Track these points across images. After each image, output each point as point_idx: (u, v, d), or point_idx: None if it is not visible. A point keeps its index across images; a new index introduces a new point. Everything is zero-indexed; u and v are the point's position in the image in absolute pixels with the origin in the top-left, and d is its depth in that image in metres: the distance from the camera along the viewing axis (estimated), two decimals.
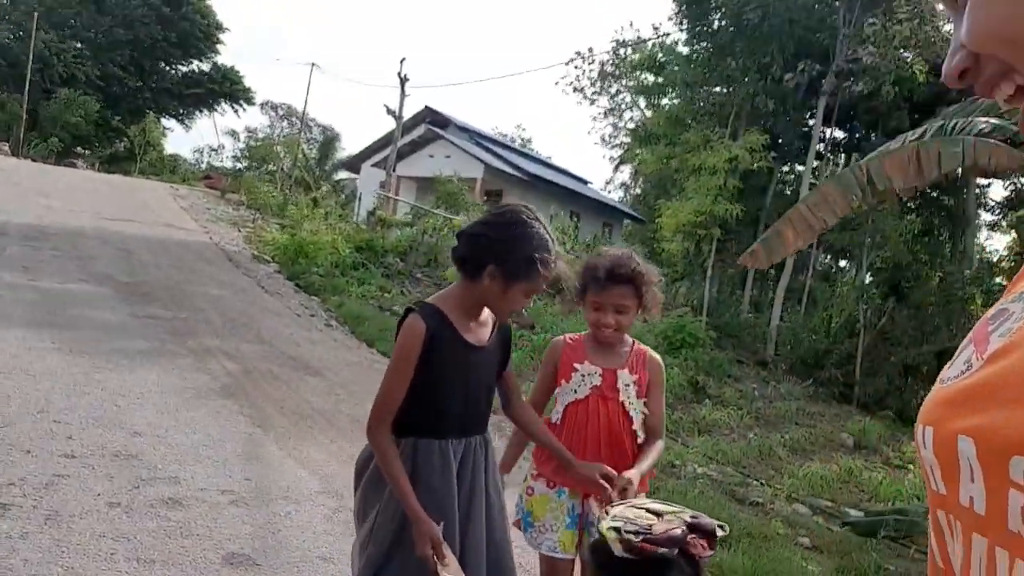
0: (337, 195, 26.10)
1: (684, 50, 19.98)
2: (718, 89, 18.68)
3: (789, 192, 20.37)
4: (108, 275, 9.08)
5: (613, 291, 2.16)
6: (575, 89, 25.83)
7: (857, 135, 21.76)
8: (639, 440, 2.21)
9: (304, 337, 7.98)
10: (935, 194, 19.22)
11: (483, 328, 1.98)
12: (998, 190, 22.36)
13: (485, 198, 21.27)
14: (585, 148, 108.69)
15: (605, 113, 27.89)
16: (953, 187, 17.77)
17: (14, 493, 3.20)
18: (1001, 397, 0.54)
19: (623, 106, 27.24)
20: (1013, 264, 16.69)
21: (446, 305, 1.92)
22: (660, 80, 20.79)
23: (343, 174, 32.29)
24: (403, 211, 19.71)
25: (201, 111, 42.51)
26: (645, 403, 2.22)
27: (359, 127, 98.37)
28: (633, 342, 2.31)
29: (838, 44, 16.26)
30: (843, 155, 22.65)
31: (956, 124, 5.37)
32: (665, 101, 21.27)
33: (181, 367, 5.80)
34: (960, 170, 5.17)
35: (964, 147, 5.13)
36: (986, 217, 23.18)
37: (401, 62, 20.84)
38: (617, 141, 29.09)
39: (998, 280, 18.04)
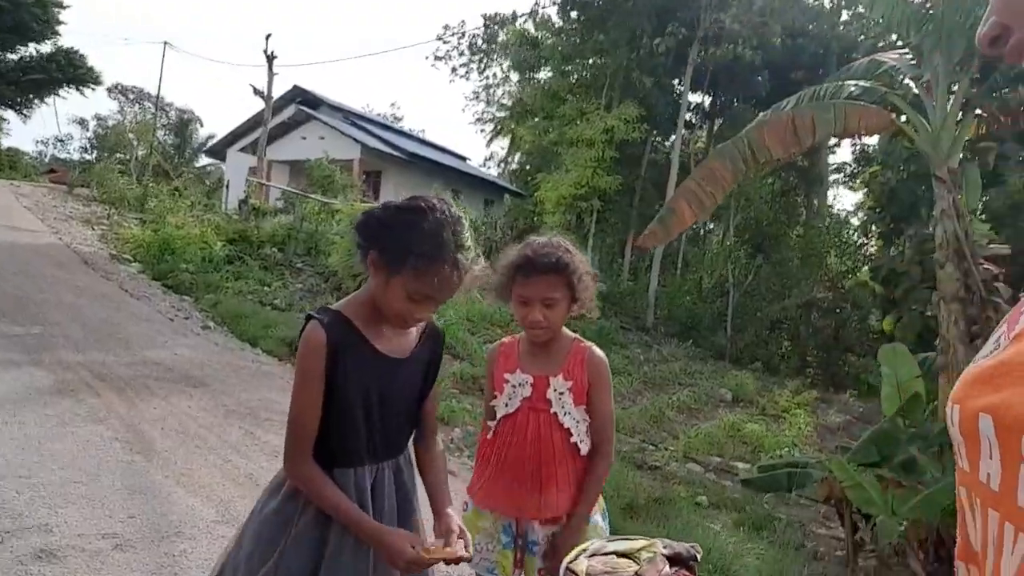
0: (202, 184, 24.54)
1: (558, 23, 20.13)
2: (591, 61, 18.95)
3: (661, 162, 21.07)
4: None
5: (539, 282, 1.95)
6: (438, 58, 25.59)
7: (720, 101, 22.80)
8: (582, 453, 2.02)
9: (180, 343, 7.42)
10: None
11: (403, 336, 1.72)
12: (845, 152, 24.17)
13: (364, 178, 20.69)
14: (461, 126, 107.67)
15: (477, 93, 27.78)
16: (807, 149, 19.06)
17: None
18: (1018, 375, 0.56)
19: (495, 82, 27.22)
20: (865, 218, 18.11)
21: (352, 309, 1.66)
22: (535, 54, 20.86)
23: (207, 160, 30.39)
24: (275, 197, 18.81)
25: (42, 99, 38.40)
26: (586, 409, 2.02)
27: (222, 110, 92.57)
28: (574, 340, 2.08)
29: (702, 11, 16.87)
30: (707, 122, 23.72)
31: (828, 90, 5.61)
32: (541, 75, 21.39)
33: (39, 391, 5.21)
34: (833, 134, 5.45)
35: (835, 112, 5.40)
36: (832, 176, 25.03)
37: (267, 38, 19.90)
38: (491, 116, 29.08)
39: (850, 234, 19.59)
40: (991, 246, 5.41)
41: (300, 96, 24.22)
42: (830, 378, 14.52)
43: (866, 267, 15.31)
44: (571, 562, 1.45)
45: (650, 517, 4.90)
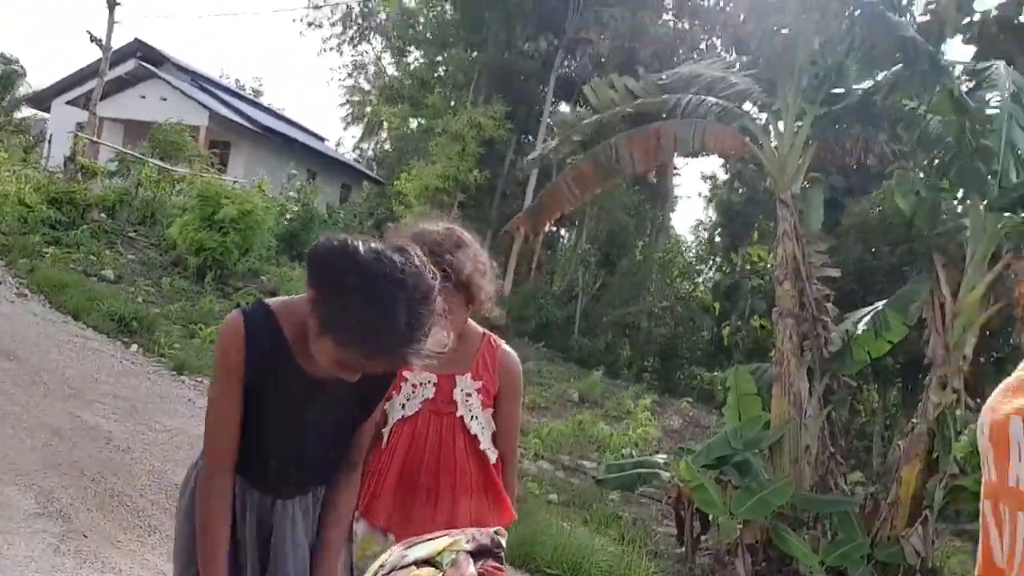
0: (20, 136, 21.83)
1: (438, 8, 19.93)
2: (463, 53, 18.97)
3: (524, 165, 21.44)
4: None
5: None
6: (309, 24, 24.73)
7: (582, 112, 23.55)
8: (492, 461, 1.82)
9: None
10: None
11: None
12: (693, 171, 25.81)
13: (213, 150, 19.32)
14: (323, 108, 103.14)
15: (350, 72, 26.98)
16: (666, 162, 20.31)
17: None
18: None
19: (367, 60, 26.59)
20: (707, 236, 19.47)
21: (288, 313, 1.39)
22: (410, 34, 20.48)
23: (27, 111, 26.99)
24: (108, 158, 17.10)
25: None
26: (494, 414, 1.83)
27: (48, 58, 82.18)
28: (483, 335, 1.85)
29: (568, 20, 17.37)
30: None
31: (692, 102, 5.84)
32: (411, 58, 21.06)
33: None
34: (691, 151, 5.79)
35: (696, 130, 5.73)
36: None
37: None
38: (356, 99, 28.32)
39: (689, 251, 21.06)
40: (823, 267, 5.93)
41: (141, 51, 22.21)
42: (665, 384, 15.42)
43: (700, 280, 16.47)
44: None
45: None
